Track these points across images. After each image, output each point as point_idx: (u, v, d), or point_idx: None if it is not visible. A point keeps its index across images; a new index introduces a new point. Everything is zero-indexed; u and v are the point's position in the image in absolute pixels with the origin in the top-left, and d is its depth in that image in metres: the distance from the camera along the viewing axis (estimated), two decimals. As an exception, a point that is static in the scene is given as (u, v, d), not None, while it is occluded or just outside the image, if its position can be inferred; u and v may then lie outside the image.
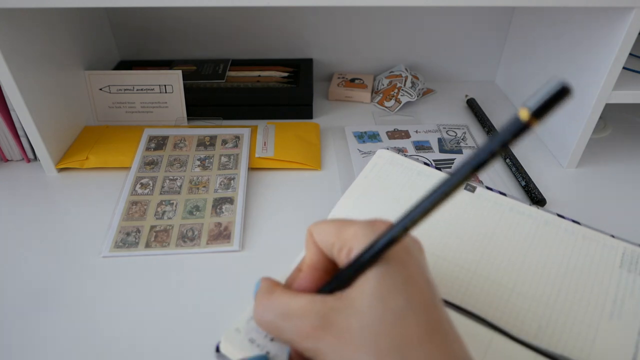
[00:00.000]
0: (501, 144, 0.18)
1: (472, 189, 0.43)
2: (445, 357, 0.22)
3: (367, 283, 0.23)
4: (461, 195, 0.43)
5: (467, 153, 0.57)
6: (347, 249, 0.25)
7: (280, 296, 0.26)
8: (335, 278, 0.26)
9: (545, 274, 0.37)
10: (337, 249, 0.26)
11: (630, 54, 0.55)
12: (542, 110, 0.17)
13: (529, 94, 0.65)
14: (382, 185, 0.44)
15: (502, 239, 0.39)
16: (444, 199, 0.21)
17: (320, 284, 0.27)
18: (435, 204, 0.21)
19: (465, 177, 0.20)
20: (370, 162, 0.47)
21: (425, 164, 0.46)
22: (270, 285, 0.28)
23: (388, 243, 0.23)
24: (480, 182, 0.50)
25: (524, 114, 0.17)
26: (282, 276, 0.32)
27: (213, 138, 0.57)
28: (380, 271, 0.23)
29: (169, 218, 0.46)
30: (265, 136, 0.57)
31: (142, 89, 0.61)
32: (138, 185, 0.50)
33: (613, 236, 0.39)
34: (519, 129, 0.17)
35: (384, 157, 0.47)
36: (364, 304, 0.23)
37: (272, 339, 0.31)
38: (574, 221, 0.40)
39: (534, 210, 0.41)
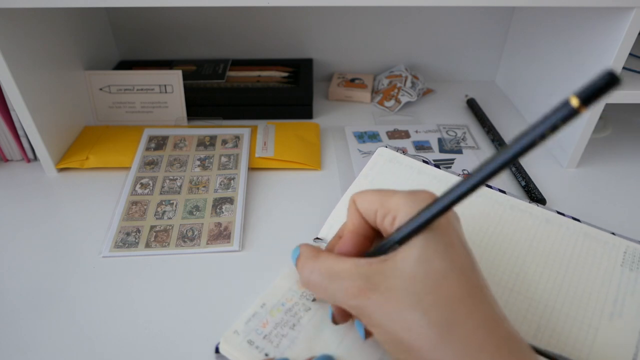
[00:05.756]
0: (551, 128, 0.19)
1: None
2: (485, 312, 0.24)
3: (412, 248, 0.25)
4: None
5: (467, 153, 0.57)
6: (392, 217, 0.27)
7: (326, 259, 0.28)
8: (380, 245, 0.27)
9: (545, 272, 0.36)
10: (381, 216, 0.27)
11: (630, 54, 0.55)
12: (591, 98, 0.17)
13: (529, 94, 0.65)
14: (382, 184, 0.44)
15: (503, 237, 0.39)
16: (491, 177, 0.22)
17: (361, 249, 0.29)
18: (483, 181, 0.22)
19: (514, 156, 0.20)
20: (371, 160, 0.46)
21: (424, 161, 0.46)
22: (313, 250, 0.29)
23: (433, 216, 0.24)
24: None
25: (574, 101, 0.18)
26: (282, 275, 0.32)
27: (213, 138, 0.57)
28: (424, 237, 0.25)
29: (169, 218, 0.46)
30: (265, 136, 0.57)
31: (142, 89, 0.61)
32: (138, 185, 0.50)
33: (614, 234, 0.39)
34: (569, 114, 0.18)
35: (384, 155, 0.47)
36: (409, 265, 0.24)
37: (277, 346, 0.31)
38: (574, 218, 0.40)
39: (534, 208, 0.41)
